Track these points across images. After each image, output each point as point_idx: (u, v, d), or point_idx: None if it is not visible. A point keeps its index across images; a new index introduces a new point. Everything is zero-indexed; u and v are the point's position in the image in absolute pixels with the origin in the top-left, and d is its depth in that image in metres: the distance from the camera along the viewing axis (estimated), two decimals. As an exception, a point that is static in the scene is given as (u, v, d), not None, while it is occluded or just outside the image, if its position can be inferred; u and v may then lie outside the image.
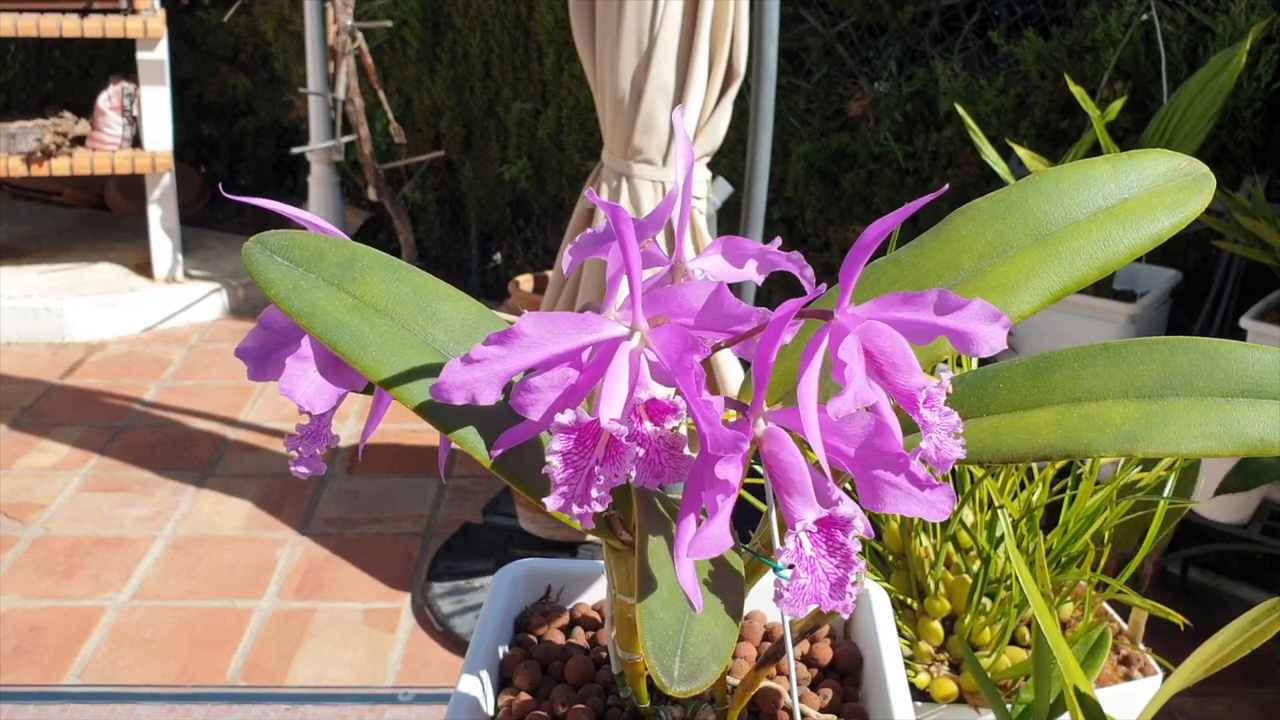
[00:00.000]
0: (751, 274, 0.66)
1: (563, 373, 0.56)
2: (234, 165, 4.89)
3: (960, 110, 2.10)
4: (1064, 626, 1.12)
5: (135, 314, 3.68)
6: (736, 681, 0.78)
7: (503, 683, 0.84)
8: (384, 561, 2.39)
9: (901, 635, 1.07)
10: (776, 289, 2.97)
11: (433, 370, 0.61)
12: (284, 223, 0.69)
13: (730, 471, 0.55)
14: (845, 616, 0.57)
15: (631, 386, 0.56)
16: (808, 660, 0.86)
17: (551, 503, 0.55)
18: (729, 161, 2.96)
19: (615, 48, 1.96)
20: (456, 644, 2.12)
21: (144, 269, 3.91)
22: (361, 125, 3.28)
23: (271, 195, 4.66)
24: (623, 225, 0.56)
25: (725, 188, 2.21)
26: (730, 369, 2.09)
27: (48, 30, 3.55)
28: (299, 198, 4.40)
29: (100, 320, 3.62)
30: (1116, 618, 1.19)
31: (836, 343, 0.56)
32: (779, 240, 0.68)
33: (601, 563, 0.89)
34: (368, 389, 0.67)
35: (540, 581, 0.94)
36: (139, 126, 3.76)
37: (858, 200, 2.88)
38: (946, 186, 0.58)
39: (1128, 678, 1.11)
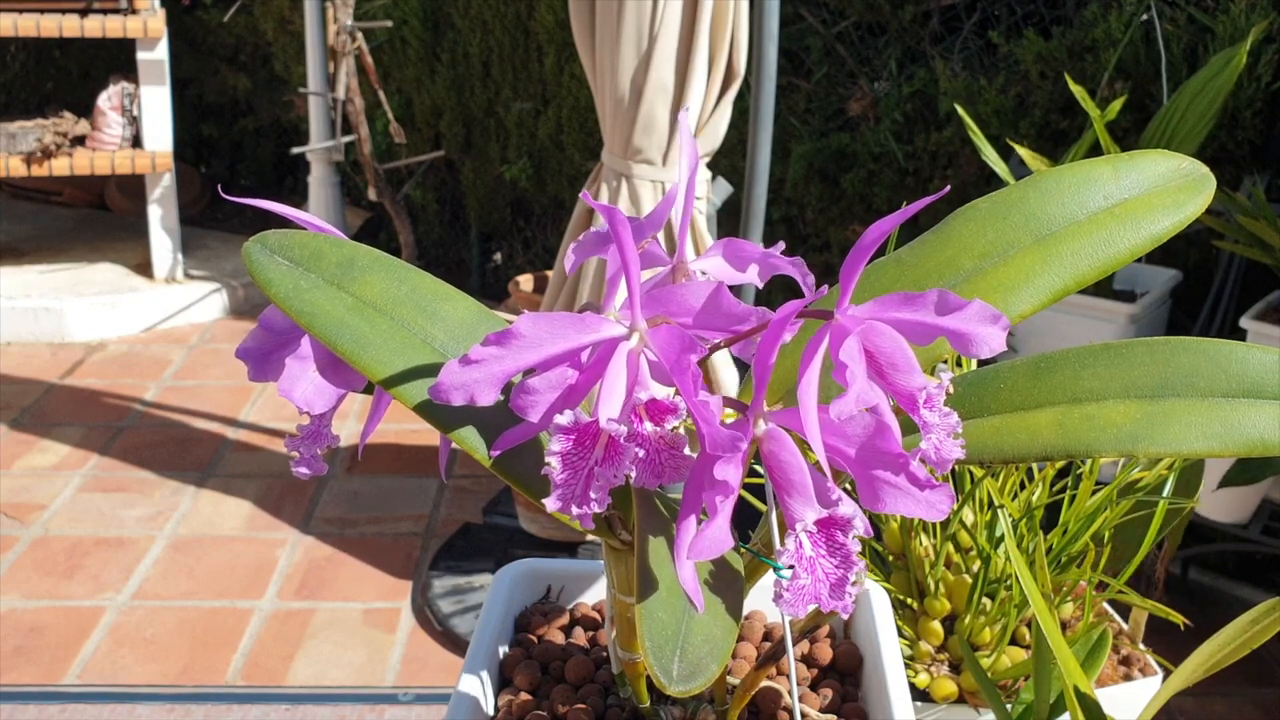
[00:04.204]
0: (753, 277, 0.66)
1: (561, 373, 0.56)
2: (234, 165, 4.88)
3: (960, 110, 2.10)
4: (1064, 626, 1.12)
5: (135, 314, 3.68)
6: (736, 681, 0.78)
7: (503, 683, 0.84)
8: (384, 561, 2.39)
9: (901, 635, 1.07)
10: (776, 290, 2.97)
11: (433, 370, 0.61)
12: (284, 223, 0.68)
13: (729, 472, 0.55)
14: (845, 617, 0.57)
15: (631, 387, 0.56)
16: (808, 660, 0.86)
17: (550, 503, 0.55)
18: (729, 161, 2.96)
19: (615, 48, 1.96)
20: (456, 644, 2.12)
21: (144, 269, 3.91)
22: (361, 125, 3.28)
23: (271, 195, 4.67)
24: (619, 227, 0.56)
25: (725, 188, 2.21)
26: (726, 371, 2.09)
27: (48, 30, 3.55)
28: (299, 198, 4.40)
29: (100, 320, 3.62)
30: (1116, 618, 1.19)
31: (837, 343, 0.56)
32: (782, 244, 0.67)
33: (601, 563, 0.89)
34: (367, 389, 0.67)
35: (540, 581, 0.94)
36: (139, 126, 3.76)
37: (858, 200, 2.88)
38: (948, 188, 0.58)
39: (1128, 678, 1.11)
